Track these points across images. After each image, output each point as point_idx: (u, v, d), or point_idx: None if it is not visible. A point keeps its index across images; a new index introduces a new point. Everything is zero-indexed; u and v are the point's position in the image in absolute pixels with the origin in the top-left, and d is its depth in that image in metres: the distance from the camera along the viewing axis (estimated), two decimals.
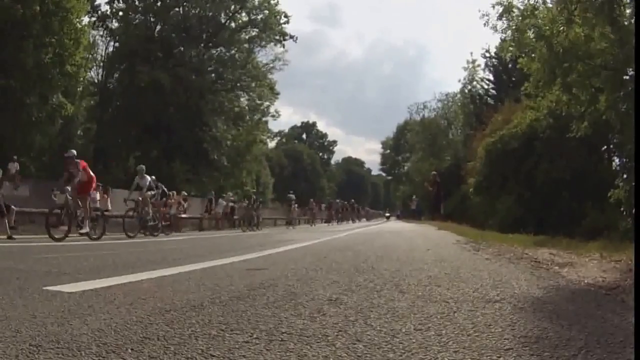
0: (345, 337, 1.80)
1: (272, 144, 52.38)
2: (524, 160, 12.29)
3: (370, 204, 70.85)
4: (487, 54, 27.62)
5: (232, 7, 32.59)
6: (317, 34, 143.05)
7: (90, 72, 27.85)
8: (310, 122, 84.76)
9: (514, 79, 23.25)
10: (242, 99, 34.01)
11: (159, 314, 2.18)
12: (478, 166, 15.21)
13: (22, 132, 19.51)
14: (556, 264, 4.56)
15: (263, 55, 34.17)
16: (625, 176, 7.70)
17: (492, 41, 23.71)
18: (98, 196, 15.32)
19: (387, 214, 56.81)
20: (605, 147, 11.61)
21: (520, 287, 3.09)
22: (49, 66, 19.20)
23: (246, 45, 33.21)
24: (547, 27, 7.42)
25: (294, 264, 4.53)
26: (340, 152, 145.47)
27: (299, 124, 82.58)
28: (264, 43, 33.51)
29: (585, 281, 3.46)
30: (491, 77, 28.34)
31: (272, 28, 32.79)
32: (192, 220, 20.50)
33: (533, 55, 7.89)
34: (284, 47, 33.81)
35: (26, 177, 18.26)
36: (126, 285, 3.05)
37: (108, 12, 29.96)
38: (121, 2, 30.06)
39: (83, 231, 9.65)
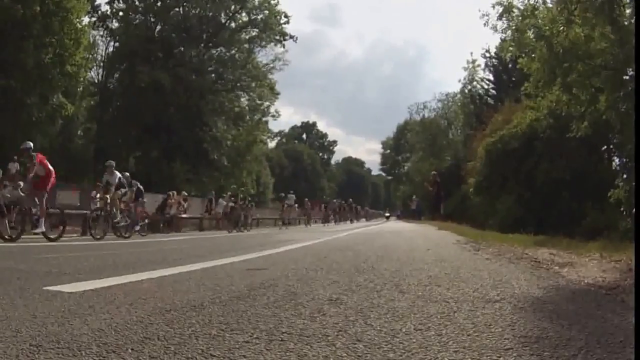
0: (346, 337, 1.80)
1: (272, 144, 52.50)
2: (524, 160, 12.29)
3: (371, 204, 70.80)
4: (487, 54, 27.66)
5: (232, 7, 32.62)
6: (317, 34, 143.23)
7: (90, 72, 27.88)
8: (311, 122, 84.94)
9: (514, 79, 23.24)
10: (242, 99, 34.05)
11: (159, 313, 2.18)
12: (478, 166, 15.21)
13: (22, 132, 19.49)
14: (556, 263, 4.56)
15: (263, 56, 34.24)
16: (625, 176, 7.71)
17: (492, 41, 23.74)
18: (98, 196, 15.35)
19: (387, 214, 56.27)
20: (605, 147, 11.61)
21: (521, 287, 3.09)
22: (49, 66, 19.21)
23: (246, 46, 33.23)
24: (547, 27, 7.42)
25: (294, 264, 4.53)
26: (341, 152, 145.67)
27: (299, 124, 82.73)
28: (264, 43, 33.56)
29: (585, 281, 3.46)
30: (491, 77, 28.36)
31: (272, 28, 32.81)
32: (192, 220, 20.50)
33: (533, 55, 7.90)
34: (284, 47, 33.89)
35: (26, 178, 18.24)
36: (126, 285, 3.06)
37: (108, 12, 30.03)
38: (121, 2, 30.11)
39: (37, 230, 8.93)
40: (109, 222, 11.24)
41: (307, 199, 29.68)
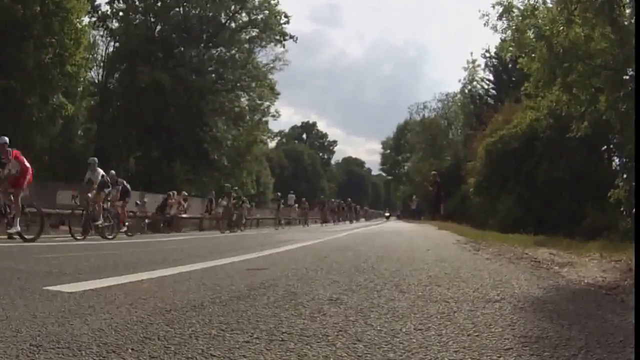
0: (346, 337, 1.80)
1: (272, 144, 52.53)
2: (524, 160, 12.29)
3: (371, 204, 70.80)
4: (487, 54, 27.65)
5: (233, 7, 32.63)
6: (318, 34, 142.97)
7: (90, 72, 27.88)
8: (311, 122, 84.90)
9: (514, 79, 23.24)
10: (242, 99, 34.06)
11: (159, 313, 2.19)
12: (478, 166, 15.21)
13: (22, 133, 19.50)
14: (556, 263, 4.56)
15: (263, 56, 34.25)
16: (625, 176, 7.71)
17: (492, 41, 23.75)
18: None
19: (387, 214, 55.46)
20: (605, 147, 11.61)
21: (521, 287, 3.09)
22: (49, 66, 19.22)
23: (246, 46, 33.24)
24: (547, 27, 7.42)
25: (294, 264, 4.53)
26: (341, 152, 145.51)
27: (299, 124, 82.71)
28: (264, 43, 33.57)
29: (585, 281, 3.47)
30: (491, 77, 28.35)
31: (272, 28, 32.82)
32: (192, 220, 20.50)
33: (533, 55, 7.90)
34: (284, 47, 33.89)
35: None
36: (127, 285, 3.06)
37: (108, 12, 30.03)
38: (121, 2, 30.11)
39: (12, 231, 8.59)
40: (90, 222, 10.72)
41: (304, 199, 28.93)
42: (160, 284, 3.14)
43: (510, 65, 22.62)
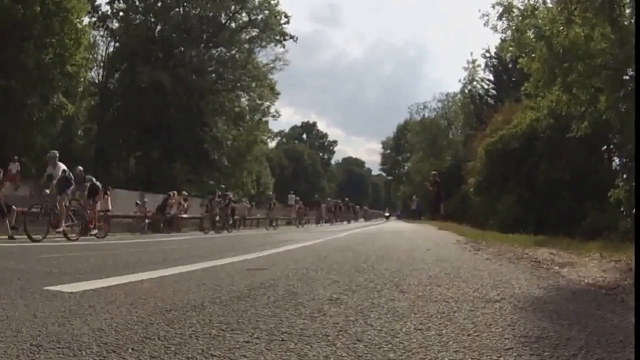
0: (346, 337, 1.80)
1: (272, 144, 52.54)
2: (524, 160, 12.28)
3: (371, 204, 70.76)
4: (487, 54, 27.65)
5: (233, 7, 32.66)
6: (318, 34, 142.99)
7: (90, 72, 27.96)
8: (311, 122, 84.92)
9: (514, 79, 23.23)
10: (242, 99, 34.11)
11: (159, 313, 2.19)
12: (478, 166, 15.20)
13: (22, 133, 19.56)
14: (556, 263, 4.56)
15: (263, 56, 34.30)
16: (625, 176, 7.70)
17: (492, 41, 23.77)
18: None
19: (387, 214, 54.47)
20: (605, 147, 11.60)
21: (521, 287, 3.09)
22: (49, 66, 19.25)
23: (246, 46, 33.28)
24: (547, 27, 7.42)
25: (294, 264, 4.53)
26: (341, 152, 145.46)
27: (299, 124, 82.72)
28: (264, 43, 33.63)
29: (586, 281, 3.47)
30: (491, 77, 28.35)
31: (273, 28, 32.86)
32: (192, 220, 20.50)
33: (533, 55, 7.89)
34: (284, 47, 33.95)
35: (27, 178, 18.27)
36: (127, 285, 3.06)
37: (108, 13, 30.11)
38: (122, 3, 30.17)
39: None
40: (49, 221, 9.78)
41: (298, 198, 27.67)
42: (161, 284, 3.15)
43: (510, 65, 22.61)
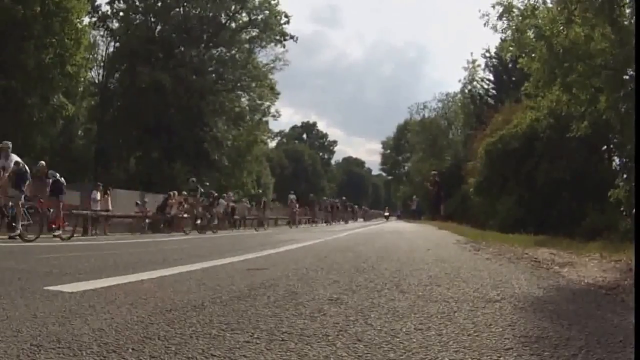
0: (346, 337, 1.80)
1: (272, 144, 52.48)
2: (524, 160, 12.28)
3: (371, 204, 70.77)
4: (487, 54, 27.62)
5: (233, 7, 32.68)
6: (318, 35, 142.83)
7: (90, 72, 27.97)
8: (311, 122, 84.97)
9: (514, 79, 23.22)
10: (242, 99, 34.12)
11: (159, 313, 2.19)
12: (478, 166, 15.21)
13: (23, 133, 19.55)
14: (556, 263, 4.56)
15: (263, 56, 34.32)
16: (625, 176, 7.69)
17: (492, 41, 23.75)
18: (98, 196, 15.38)
19: (387, 214, 53.20)
20: (605, 147, 11.59)
21: (521, 287, 3.09)
22: (49, 67, 19.26)
23: (247, 46, 33.30)
24: (547, 27, 7.42)
25: (294, 264, 4.53)
26: (341, 153, 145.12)
27: (299, 124, 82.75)
28: (264, 43, 33.65)
29: (586, 281, 3.47)
30: (491, 77, 28.32)
31: (273, 28, 32.88)
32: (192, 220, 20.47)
33: (533, 55, 7.89)
34: (284, 47, 33.95)
35: None
36: (127, 285, 3.06)
37: (109, 13, 30.14)
38: (122, 3, 30.19)
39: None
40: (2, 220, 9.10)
41: (292, 197, 26.64)
42: (161, 284, 3.15)
43: (510, 65, 22.59)
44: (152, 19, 31.00)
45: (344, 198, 38.29)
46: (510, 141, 12.97)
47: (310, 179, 64.20)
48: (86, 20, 23.35)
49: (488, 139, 14.63)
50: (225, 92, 32.35)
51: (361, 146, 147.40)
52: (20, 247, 7.17)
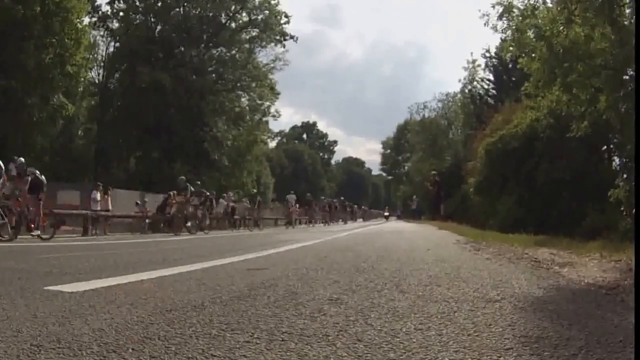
0: (346, 337, 1.80)
1: (272, 144, 52.49)
2: (524, 160, 12.27)
3: (371, 204, 70.79)
4: (488, 54, 27.63)
5: (233, 7, 32.68)
6: (318, 35, 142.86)
7: (90, 72, 27.99)
8: (311, 122, 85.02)
9: (514, 79, 23.23)
10: (242, 99, 34.12)
11: (159, 313, 2.19)
12: (478, 166, 15.20)
13: (23, 133, 19.57)
14: (556, 263, 4.56)
15: (263, 56, 34.31)
16: (625, 176, 7.69)
17: (492, 41, 23.76)
18: (98, 196, 15.39)
19: (386, 214, 52.51)
20: (605, 147, 11.59)
21: (521, 287, 3.09)
22: (49, 67, 19.26)
23: (247, 46, 33.29)
24: (547, 27, 7.42)
25: (294, 264, 4.53)
26: (341, 152, 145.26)
27: (299, 124, 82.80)
28: (264, 43, 33.63)
29: (586, 281, 3.47)
30: (491, 77, 28.33)
31: (273, 28, 32.87)
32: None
33: (533, 55, 7.89)
34: (284, 47, 33.94)
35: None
36: (127, 285, 3.06)
37: (109, 13, 30.15)
38: (122, 3, 30.18)
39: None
40: None
41: (288, 197, 26.02)
42: (161, 284, 3.15)
43: (510, 65, 22.60)
44: (152, 19, 31.00)
45: (342, 198, 38.11)
46: (510, 141, 12.96)
47: (310, 179, 64.21)
48: (86, 20, 23.39)
49: (488, 139, 14.63)
50: (225, 92, 32.35)
51: (361, 146, 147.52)
52: (21, 247, 7.17)
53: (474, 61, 29.94)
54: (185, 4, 31.57)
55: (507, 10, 8.11)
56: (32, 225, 10.13)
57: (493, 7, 8.23)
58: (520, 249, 6.19)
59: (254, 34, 33.51)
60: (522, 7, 8.04)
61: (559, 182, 11.18)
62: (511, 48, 8.56)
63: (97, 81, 30.76)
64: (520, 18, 8.02)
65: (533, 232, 9.24)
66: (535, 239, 7.95)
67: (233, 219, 21.64)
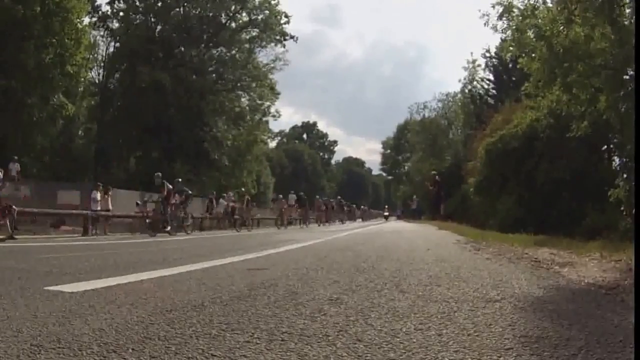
0: (346, 337, 1.81)
1: (272, 144, 52.44)
2: (524, 160, 12.28)
3: (371, 204, 70.72)
4: (488, 54, 27.66)
5: (233, 7, 32.66)
6: (318, 35, 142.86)
7: (91, 72, 27.98)
8: (311, 122, 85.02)
9: (514, 79, 23.24)
10: (242, 99, 34.10)
11: (160, 313, 2.19)
12: (478, 166, 15.21)
13: (23, 133, 19.57)
14: (556, 263, 4.56)
15: (264, 56, 34.28)
16: (625, 176, 7.69)
17: (493, 41, 23.78)
18: (99, 196, 15.38)
19: (386, 213, 50.74)
20: (605, 147, 11.59)
21: (521, 287, 3.09)
22: (49, 66, 19.26)
23: (247, 46, 33.27)
24: (547, 27, 7.41)
25: (294, 263, 4.54)
26: (341, 152, 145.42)
27: (299, 124, 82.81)
28: (264, 43, 33.60)
29: (586, 281, 3.47)
30: (491, 77, 28.35)
31: (273, 28, 32.85)
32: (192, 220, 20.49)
33: (533, 55, 7.89)
34: (284, 47, 33.91)
35: (27, 178, 18.31)
36: (127, 285, 3.06)
37: (109, 13, 30.11)
38: (122, 3, 30.16)
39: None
40: None
41: (281, 196, 24.82)
42: (161, 284, 3.15)
43: (510, 65, 22.62)
44: (152, 19, 30.98)
45: (338, 197, 37.84)
46: (510, 141, 12.97)
47: (310, 179, 64.22)
48: (86, 20, 23.38)
49: (488, 139, 14.63)
50: (225, 92, 32.34)
51: (361, 146, 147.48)
52: (21, 247, 7.17)
53: (474, 61, 29.99)
54: (185, 4, 31.56)
55: (507, 10, 8.11)
56: None
57: (493, 7, 8.23)
58: (520, 249, 6.19)
59: (254, 34, 33.50)
60: (522, 7, 8.04)
61: (559, 182, 11.18)
62: (511, 48, 8.55)
63: (97, 81, 30.75)
64: (520, 18, 8.02)
65: (533, 232, 9.23)
66: (535, 238, 7.95)
67: (233, 219, 21.63)
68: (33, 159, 22.33)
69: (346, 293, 2.79)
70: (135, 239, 11.71)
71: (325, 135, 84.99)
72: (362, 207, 50.27)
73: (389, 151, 66.89)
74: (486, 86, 29.02)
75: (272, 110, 35.13)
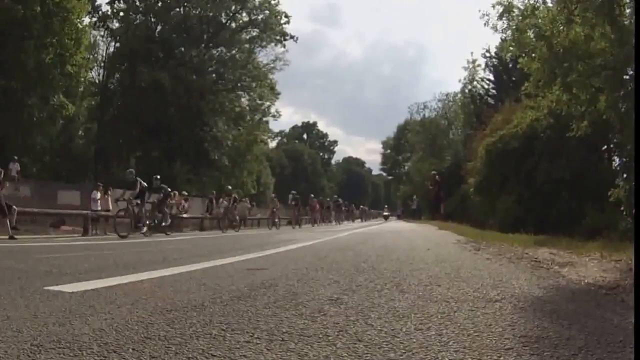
0: (346, 337, 1.81)
1: (272, 144, 52.46)
2: (524, 160, 12.28)
3: (371, 204, 70.71)
4: (488, 54, 27.66)
5: (233, 7, 32.67)
6: (317, 34, 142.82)
7: (91, 72, 27.99)
8: (311, 122, 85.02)
9: (514, 78, 23.23)
10: (242, 99, 34.11)
11: (160, 313, 2.19)
12: (478, 166, 15.21)
13: (23, 133, 19.57)
14: (556, 263, 4.56)
15: (263, 56, 34.30)
16: (625, 176, 7.69)
17: (493, 41, 23.78)
18: (99, 196, 15.38)
19: (386, 213, 49.57)
20: (605, 147, 11.59)
21: (521, 287, 3.09)
22: (49, 66, 19.26)
23: (247, 46, 33.28)
24: (547, 27, 7.42)
25: (294, 263, 4.54)
26: (341, 152, 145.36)
27: (299, 124, 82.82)
28: (264, 43, 33.62)
29: (585, 281, 3.47)
30: (491, 77, 28.36)
31: (273, 28, 32.86)
32: (193, 220, 20.50)
33: (533, 55, 7.89)
34: (284, 47, 33.93)
35: (27, 178, 18.31)
36: (127, 285, 3.06)
37: (109, 13, 30.11)
38: (122, 3, 30.17)
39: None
40: None
41: (273, 195, 24.03)
42: (161, 284, 3.15)
43: (510, 65, 22.62)
44: (152, 19, 30.99)
45: (335, 196, 37.64)
46: (510, 141, 12.97)
47: (310, 179, 64.18)
48: (86, 20, 23.37)
49: (488, 139, 14.63)
50: (225, 92, 32.35)
51: (361, 146, 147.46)
52: (20, 247, 7.17)
53: (474, 61, 30.01)
54: (185, 4, 31.57)
55: (507, 10, 8.12)
56: None
57: (493, 7, 8.24)
58: (520, 249, 6.19)
59: (254, 34, 33.52)
60: (522, 7, 8.05)
61: (558, 182, 11.18)
62: (511, 48, 8.56)
63: (97, 81, 30.76)
64: (520, 18, 8.03)
65: (533, 231, 9.24)
66: (535, 238, 7.95)
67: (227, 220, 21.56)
68: (33, 159, 22.33)
69: (346, 293, 2.79)
70: (135, 238, 11.69)
71: (325, 135, 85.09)
72: (361, 207, 49.96)
73: (389, 151, 66.91)
74: (486, 86, 29.04)
75: (272, 110, 35.22)
